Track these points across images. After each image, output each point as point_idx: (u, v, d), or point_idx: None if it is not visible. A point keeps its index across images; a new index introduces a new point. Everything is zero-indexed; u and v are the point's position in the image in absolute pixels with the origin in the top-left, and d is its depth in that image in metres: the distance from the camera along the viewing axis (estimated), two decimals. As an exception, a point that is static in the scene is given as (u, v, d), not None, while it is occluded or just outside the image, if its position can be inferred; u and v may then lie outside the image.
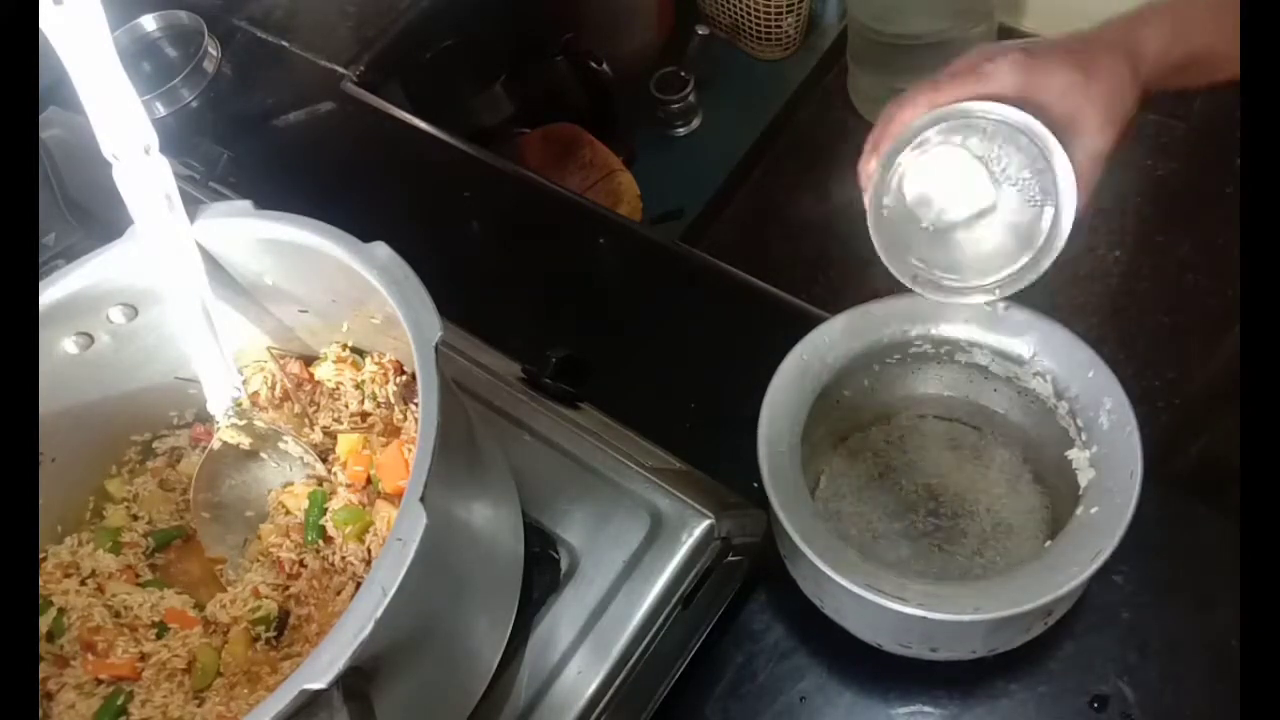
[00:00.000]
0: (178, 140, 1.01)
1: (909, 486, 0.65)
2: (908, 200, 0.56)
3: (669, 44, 1.63)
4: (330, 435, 0.60)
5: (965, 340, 0.60)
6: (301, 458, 0.58)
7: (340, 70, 1.06)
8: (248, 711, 0.37)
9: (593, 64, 1.34)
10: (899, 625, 0.57)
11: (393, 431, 0.58)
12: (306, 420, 0.61)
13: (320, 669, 0.38)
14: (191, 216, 0.53)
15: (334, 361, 0.60)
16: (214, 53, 1.08)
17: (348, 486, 0.57)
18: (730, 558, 0.60)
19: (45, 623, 0.55)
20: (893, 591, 0.51)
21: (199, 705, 0.52)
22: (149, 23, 1.11)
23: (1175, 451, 0.91)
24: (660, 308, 0.84)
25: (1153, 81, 0.55)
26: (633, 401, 0.67)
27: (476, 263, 0.90)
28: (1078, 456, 0.56)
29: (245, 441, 0.58)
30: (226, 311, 0.57)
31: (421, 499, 0.41)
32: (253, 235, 0.54)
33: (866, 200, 0.56)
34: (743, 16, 1.58)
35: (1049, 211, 0.54)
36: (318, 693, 0.38)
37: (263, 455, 0.59)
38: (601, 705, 0.54)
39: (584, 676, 0.54)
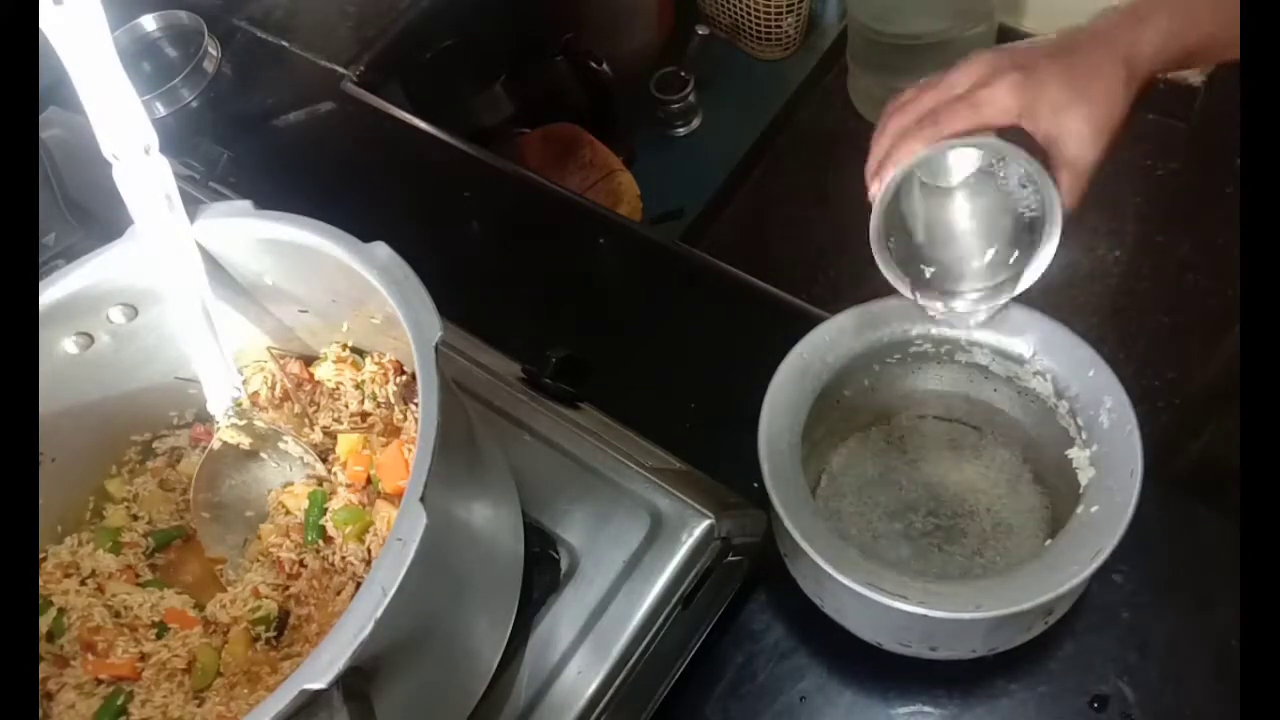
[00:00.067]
0: (178, 140, 1.01)
1: (909, 486, 0.65)
2: (910, 213, 0.57)
3: (669, 44, 1.63)
4: (330, 435, 0.60)
5: (965, 340, 0.60)
6: (301, 458, 0.58)
7: (340, 70, 1.06)
8: (248, 711, 0.37)
9: (593, 64, 1.35)
10: (899, 624, 0.57)
11: (393, 431, 0.58)
12: (306, 420, 0.61)
13: (320, 669, 0.38)
14: (191, 216, 0.53)
15: (334, 361, 0.60)
16: (214, 53, 1.08)
17: (348, 486, 0.57)
18: (730, 558, 0.60)
19: (45, 623, 0.55)
20: (893, 589, 0.51)
21: (199, 705, 0.52)
22: (149, 23, 1.11)
23: (1175, 451, 0.91)
24: (660, 308, 0.84)
25: (1150, 78, 0.55)
26: (633, 401, 0.67)
27: (476, 263, 0.90)
28: (1078, 455, 0.56)
29: (245, 441, 0.58)
30: (226, 311, 0.57)
31: (421, 499, 0.41)
32: (253, 235, 0.54)
33: (872, 228, 0.57)
34: (743, 16, 1.58)
35: (1041, 227, 0.55)
36: (318, 693, 0.38)
37: (263, 455, 0.59)
38: (601, 705, 0.54)
39: (584, 676, 0.54)
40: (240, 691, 0.52)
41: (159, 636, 0.55)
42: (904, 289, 0.57)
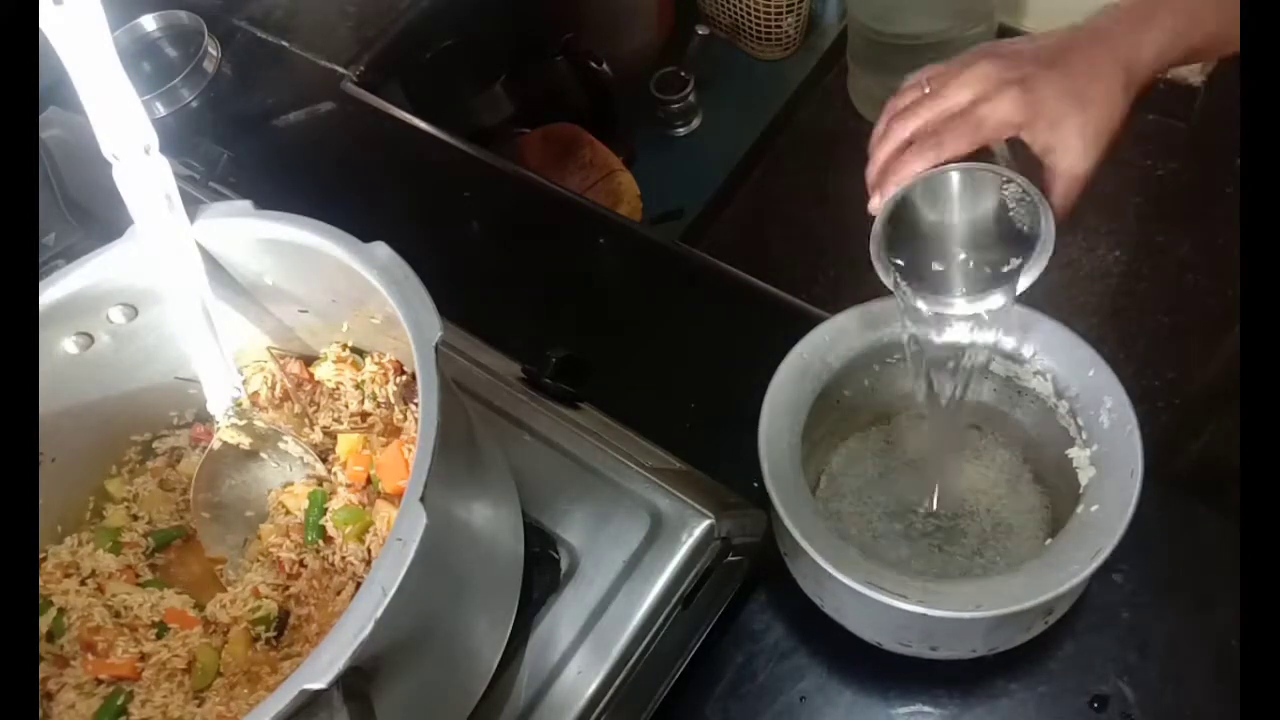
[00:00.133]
0: (178, 140, 1.01)
1: (909, 486, 0.65)
2: (910, 219, 0.57)
3: (669, 44, 1.63)
4: (330, 435, 0.60)
5: (965, 339, 0.60)
6: (301, 458, 0.58)
7: (340, 70, 1.06)
8: (248, 711, 0.37)
9: (593, 64, 1.34)
10: (899, 623, 0.57)
11: (393, 431, 0.58)
12: (306, 420, 0.61)
13: (320, 669, 0.38)
14: (191, 216, 0.53)
15: (334, 361, 0.60)
16: (214, 53, 1.08)
17: (348, 486, 0.57)
18: (730, 558, 0.60)
19: (45, 623, 0.55)
20: (893, 589, 0.51)
21: (199, 705, 0.52)
22: (149, 23, 1.11)
23: (1175, 451, 0.91)
24: (660, 308, 0.84)
25: (1152, 79, 0.56)
26: (633, 401, 0.67)
27: (476, 263, 0.90)
28: (1078, 455, 0.56)
29: (245, 441, 0.58)
30: (226, 311, 0.57)
31: (421, 499, 0.41)
32: (253, 235, 0.54)
33: (873, 243, 0.57)
34: (743, 16, 1.58)
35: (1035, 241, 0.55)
36: (318, 693, 0.38)
37: (263, 455, 0.59)
38: (601, 705, 0.54)
39: (584, 676, 0.54)
40: (240, 691, 0.52)
41: (159, 636, 0.55)
42: (904, 299, 0.57)
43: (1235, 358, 0.87)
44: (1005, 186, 0.55)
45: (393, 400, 0.59)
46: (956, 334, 0.57)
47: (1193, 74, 1.50)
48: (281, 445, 0.58)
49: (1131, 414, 0.54)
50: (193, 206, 0.53)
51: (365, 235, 0.50)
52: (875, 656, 0.60)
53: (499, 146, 1.22)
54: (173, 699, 0.52)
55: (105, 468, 0.61)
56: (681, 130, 1.59)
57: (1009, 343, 0.59)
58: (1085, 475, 0.55)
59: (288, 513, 0.58)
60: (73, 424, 0.57)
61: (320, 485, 0.58)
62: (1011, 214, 0.55)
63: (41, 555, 0.57)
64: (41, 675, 0.53)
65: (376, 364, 0.60)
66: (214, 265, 0.55)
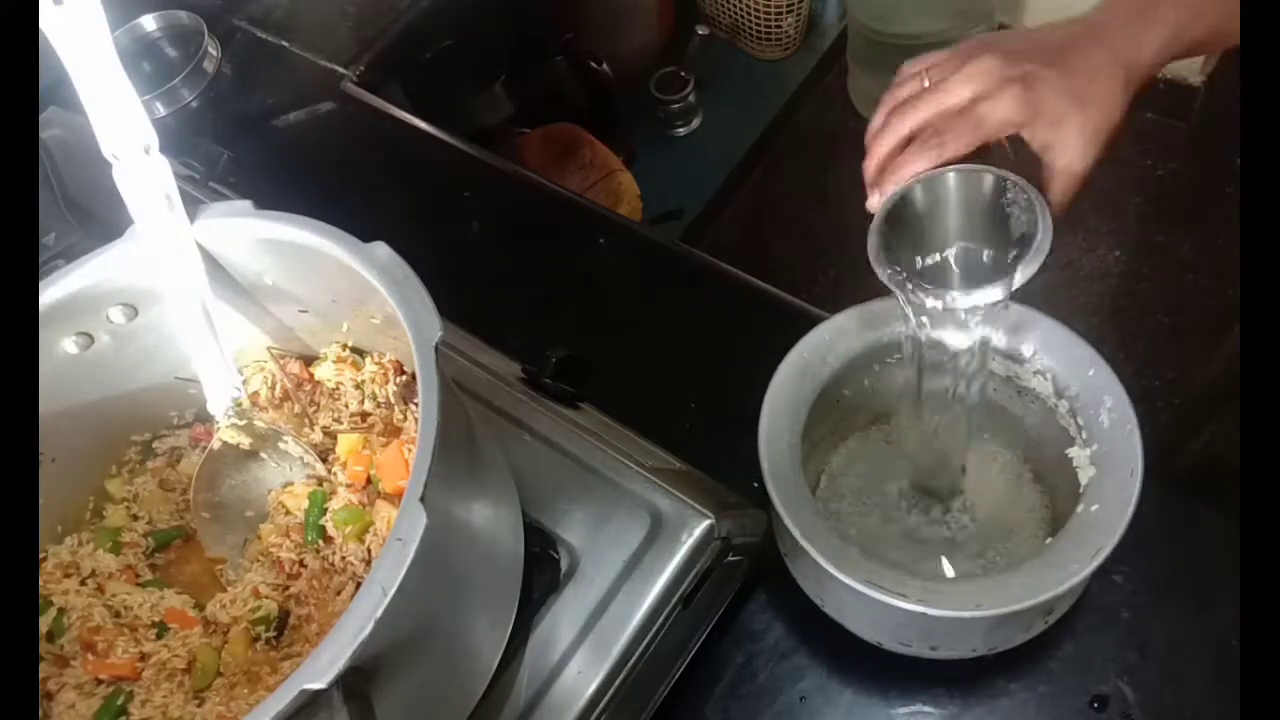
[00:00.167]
0: (178, 140, 1.01)
1: (909, 486, 0.65)
2: (908, 215, 0.57)
3: (669, 44, 1.63)
4: (330, 435, 0.60)
5: (963, 340, 0.60)
6: (301, 458, 0.58)
7: (340, 70, 1.06)
8: (248, 711, 0.37)
9: (593, 64, 1.34)
10: (900, 623, 0.57)
11: (393, 431, 0.58)
12: (306, 420, 0.61)
13: (320, 669, 0.38)
14: (191, 216, 0.53)
15: (334, 361, 0.60)
16: (214, 53, 1.08)
17: (348, 486, 0.57)
18: (730, 558, 0.60)
19: (45, 623, 0.55)
20: (893, 588, 0.51)
21: (199, 705, 0.52)
22: (149, 23, 1.11)
23: (1175, 451, 0.91)
24: (660, 308, 0.84)
25: (1152, 74, 0.56)
26: (633, 401, 0.67)
27: (476, 263, 0.90)
28: (1078, 455, 0.56)
29: (245, 441, 0.58)
30: (226, 311, 0.57)
31: (421, 499, 0.41)
32: (253, 235, 0.54)
33: (870, 242, 0.57)
34: (743, 16, 1.58)
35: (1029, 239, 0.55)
36: (318, 693, 0.38)
37: (263, 455, 0.59)
38: (601, 705, 0.54)
39: (584, 676, 0.54)
40: (240, 691, 0.52)
41: (159, 636, 0.55)
42: (901, 293, 0.57)
43: (1235, 358, 0.87)
44: (1003, 185, 0.55)
45: (393, 400, 0.59)
46: (954, 333, 0.57)
47: (1193, 74, 1.50)
48: (281, 445, 0.58)
49: (1131, 414, 0.54)
50: (193, 206, 0.53)
51: (365, 235, 0.50)
52: (875, 656, 0.60)
53: (499, 146, 1.22)
54: (173, 699, 0.52)
55: (105, 468, 0.61)
56: (681, 130, 1.59)
57: (1009, 342, 0.59)
58: (1085, 475, 0.55)
59: (288, 513, 0.58)
60: (73, 424, 0.57)
61: (320, 485, 0.58)
62: (1009, 212, 0.55)
63: (41, 555, 0.57)
64: (41, 675, 0.53)
65: (376, 364, 0.60)
66: (214, 265, 0.55)
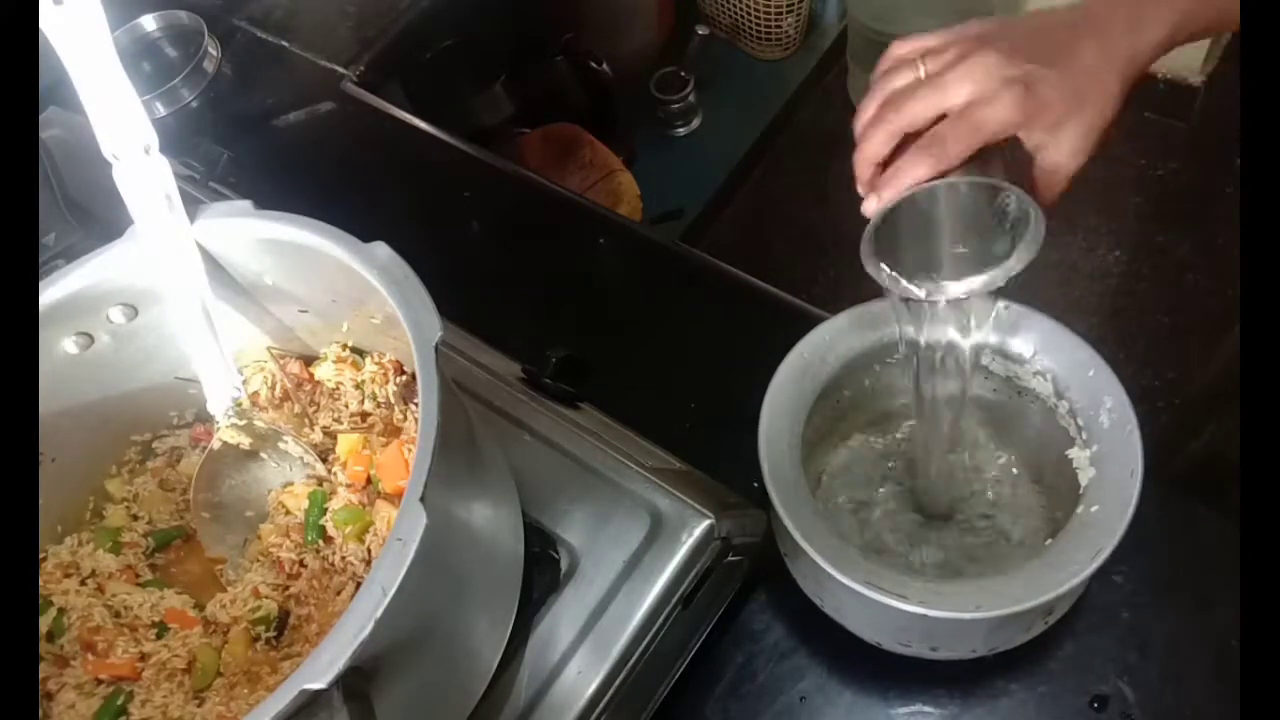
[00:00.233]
0: (178, 140, 1.01)
1: (909, 487, 0.65)
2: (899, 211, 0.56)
3: (669, 44, 1.63)
4: (330, 435, 0.60)
5: (957, 337, 0.60)
6: (301, 458, 0.58)
7: (340, 70, 1.06)
8: (248, 711, 0.37)
9: (593, 64, 1.35)
10: (899, 624, 0.57)
11: (393, 431, 0.58)
12: (306, 420, 0.61)
13: (320, 669, 0.38)
14: (191, 216, 0.53)
15: (334, 361, 0.60)
16: (214, 53, 1.08)
17: (348, 486, 0.57)
18: (730, 558, 0.60)
19: (45, 623, 0.55)
20: (893, 589, 0.51)
21: (199, 705, 0.52)
22: (149, 23, 1.11)
23: (1175, 451, 0.91)
24: (660, 308, 0.84)
25: (1149, 65, 0.55)
26: (633, 401, 0.67)
27: (476, 263, 0.90)
28: (1078, 455, 0.56)
29: (245, 441, 0.58)
30: (226, 311, 0.57)
31: (421, 499, 0.41)
32: (253, 235, 0.54)
33: (864, 246, 0.56)
34: (743, 16, 1.58)
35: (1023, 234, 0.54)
36: (318, 693, 0.38)
37: (263, 455, 0.59)
38: (601, 705, 0.54)
39: (584, 676, 0.54)
40: (240, 691, 0.52)
41: (159, 636, 0.55)
42: (893, 286, 0.56)
43: (1235, 358, 0.87)
44: (999, 192, 0.55)
45: (393, 400, 0.59)
46: (947, 330, 0.57)
47: (1193, 74, 1.50)
48: (281, 445, 0.58)
49: (1131, 414, 0.54)
50: (193, 206, 0.53)
51: (365, 235, 0.50)
52: (875, 656, 0.60)
53: (499, 146, 1.22)
54: (173, 699, 0.52)
55: (105, 468, 0.61)
56: (681, 130, 1.59)
57: (1009, 343, 0.59)
58: (1085, 475, 0.55)
59: (288, 513, 0.58)
60: (73, 424, 0.57)
61: (320, 485, 0.58)
62: (1004, 212, 0.55)
63: (41, 555, 0.57)
64: (41, 675, 0.53)
65: (376, 364, 0.60)
66: (214, 265, 0.55)
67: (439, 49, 1.21)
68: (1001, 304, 0.58)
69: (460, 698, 0.51)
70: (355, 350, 0.61)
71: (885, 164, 0.56)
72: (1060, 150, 0.54)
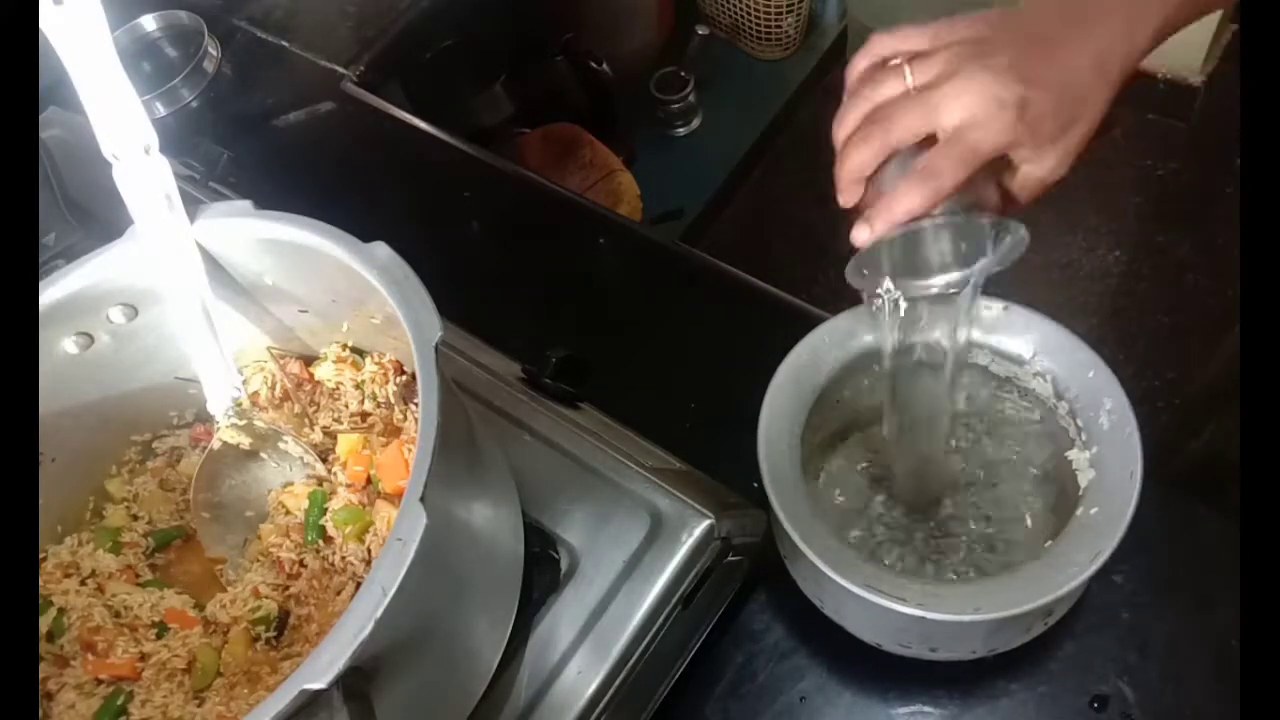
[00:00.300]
0: (178, 140, 1.01)
1: (909, 488, 0.65)
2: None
3: (669, 44, 1.63)
4: (330, 435, 0.60)
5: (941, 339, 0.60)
6: (301, 458, 0.58)
7: (340, 70, 1.06)
8: (248, 711, 0.37)
9: (593, 64, 1.35)
10: (899, 625, 0.57)
11: (393, 431, 0.58)
12: (306, 420, 0.61)
13: (320, 669, 0.38)
14: (191, 216, 0.53)
15: (334, 361, 0.60)
16: (214, 53, 1.08)
17: (348, 486, 0.57)
18: (730, 558, 0.60)
19: (45, 623, 0.55)
20: (892, 591, 0.51)
21: (199, 705, 0.52)
22: (149, 23, 1.11)
23: (1175, 451, 0.91)
24: (660, 308, 0.84)
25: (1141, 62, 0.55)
26: (633, 401, 0.67)
27: (476, 263, 0.90)
28: (1078, 457, 0.56)
29: (245, 441, 0.58)
30: (226, 311, 0.57)
31: (421, 499, 0.41)
32: (253, 235, 0.54)
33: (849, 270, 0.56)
34: (743, 16, 1.58)
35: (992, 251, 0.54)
36: (318, 693, 0.38)
37: (263, 455, 0.59)
38: (601, 705, 0.54)
39: (584, 676, 0.54)
40: (240, 691, 0.52)
41: (159, 636, 0.55)
42: (874, 289, 0.56)
43: (1235, 358, 0.87)
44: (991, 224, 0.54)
45: (393, 400, 0.59)
46: (930, 334, 0.57)
47: (1193, 74, 1.50)
48: (281, 445, 0.58)
49: (1131, 416, 0.54)
50: (193, 206, 0.53)
51: (365, 235, 0.50)
52: (875, 657, 0.60)
53: (499, 146, 1.22)
54: (173, 699, 0.52)
55: (105, 468, 0.61)
56: (681, 130, 1.59)
57: (1009, 344, 0.59)
58: (1085, 477, 0.55)
59: (288, 513, 0.58)
60: (73, 424, 0.57)
61: (320, 485, 0.58)
62: (990, 233, 0.54)
63: (41, 555, 0.57)
64: (41, 675, 0.53)
65: (376, 364, 0.60)
66: (214, 265, 0.55)
67: (439, 49, 1.21)
68: (1000, 305, 0.58)
69: (460, 698, 0.51)
70: (355, 350, 0.61)
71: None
72: (1044, 166, 0.53)
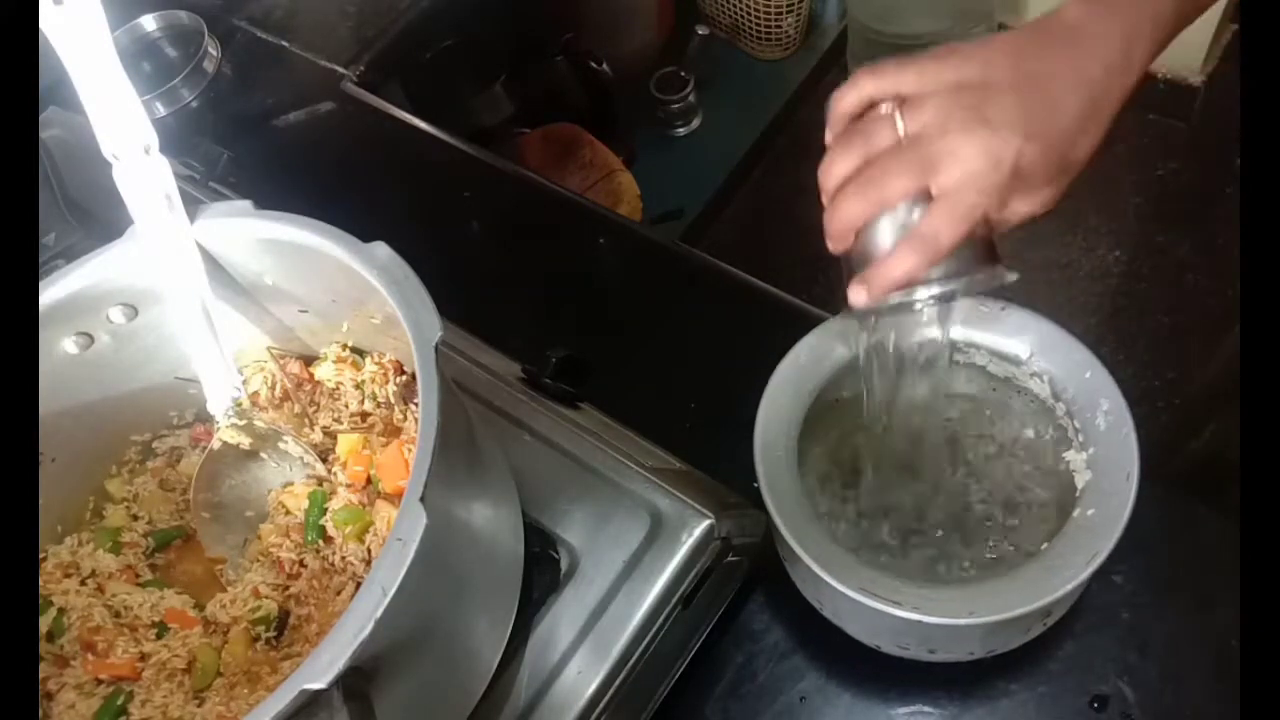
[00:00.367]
0: (178, 140, 1.01)
1: (906, 488, 0.65)
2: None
3: (669, 44, 1.63)
4: (330, 435, 0.60)
5: (963, 340, 0.60)
6: (301, 458, 0.58)
7: (340, 70, 1.06)
8: (248, 711, 0.37)
9: (593, 64, 1.34)
10: (896, 628, 0.57)
11: (393, 431, 0.58)
12: (306, 420, 0.61)
13: (320, 669, 0.38)
14: (191, 216, 0.53)
15: (334, 361, 0.60)
16: (214, 53, 1.08)
17: (348, 486, 0.57)
18: (730, 558, 0.60)
19: (45, 623, 0.55)
20: (888, 595, 0.51)
21: (199, 705, 0.52)
22: (149, 23, 1.11)
23: (1175, 451, 0.91)
24: (660, 308, 0.84)
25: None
26: (633, 401, 0.67)
27: (476, 263, 0.90)
28: (1075, 459, 0.56)
29: (245, 441, 0.58)
30: (226, 311, 0.57)
31: (421, 499, 0.41)
32: (253, 235, 0.54)
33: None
34: (743, 16, 1.58)
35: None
36: (318, 693, 0.38)
37: (263, 455, 0.59)
38: (601, 705, 0.54)
39: (584, 676, 0.54)
40: (240, 691, 0.52)
41: (159, 636, 0.55)
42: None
43: (1235, 358, 0.87)
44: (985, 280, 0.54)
45: (393, 400, 0.59)
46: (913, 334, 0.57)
47: (1193, 74, 1.50)
48: (281, 445, 0.58)
49: (1128, 416, 0.54)
50: (193, 206, 0.53)
51: (365, 235, 0.50)
52: (875, 657, 0.60)
53: (499, 146, 1.22)
54: (173, 699, 0.52)
55: (105, 468, 0.61)
56: (681, 130, 1.59)
57: (1006, 344, 0.59)
58: (1082, 479, 0.55)
59: (288, 513, 0.58)
60: (73, 424, 0.57)
61: (320, 485, 0.58)
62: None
63: (41, 555, 0.57)
64: (41, 675, 0.53)
65: (376, 364, 0.60)
66: (214, 265, 0.55)
67: (439, 49, 1.21)
68: (998, 305, 0.59)
69: (460, 698, 0.51)
70: (355, 350, 0.61)
71: None
72: (1034, 204, 0.52)
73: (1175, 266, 1.41)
